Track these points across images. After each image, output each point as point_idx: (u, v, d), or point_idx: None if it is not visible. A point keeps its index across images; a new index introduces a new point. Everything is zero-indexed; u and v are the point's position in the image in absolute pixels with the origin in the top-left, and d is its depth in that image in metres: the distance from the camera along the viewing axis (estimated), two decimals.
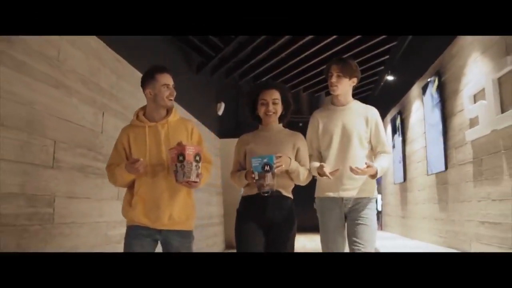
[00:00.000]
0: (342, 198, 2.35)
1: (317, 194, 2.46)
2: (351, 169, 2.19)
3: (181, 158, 2.02)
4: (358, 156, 2.35)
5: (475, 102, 3.99)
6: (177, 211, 2.15)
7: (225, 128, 7.87)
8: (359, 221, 2.32)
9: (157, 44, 4.76)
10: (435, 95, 5.18)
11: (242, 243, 2.28)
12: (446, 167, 4.89)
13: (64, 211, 2.82)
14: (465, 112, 4.24)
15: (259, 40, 5.23)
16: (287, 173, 2.31)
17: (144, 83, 2.22)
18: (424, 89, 5.71)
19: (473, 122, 4.06)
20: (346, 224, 2.38)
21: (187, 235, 2.20)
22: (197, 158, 2.05)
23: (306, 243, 8.62)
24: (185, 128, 2.25)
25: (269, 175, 2.15)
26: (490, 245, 3.69)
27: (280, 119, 2.44)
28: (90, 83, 3.25)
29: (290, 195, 2.37)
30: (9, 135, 2.34)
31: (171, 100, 2.21)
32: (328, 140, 2.40)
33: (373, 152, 2.42)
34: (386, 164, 2.34)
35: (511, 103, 3.25)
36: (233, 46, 5.40)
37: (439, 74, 5.08)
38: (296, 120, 11.55)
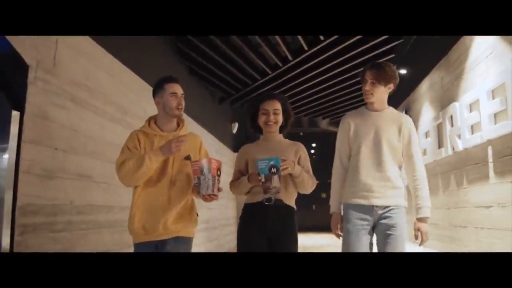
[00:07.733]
0: (373, 206, 2.23)
1: (346, 200, 2.32)
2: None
3: (205, 171, 2.02)
4: (389, 163, 2.25)
5: (426, 137, 5.55)
6: (172, 220, 2.12)
7: (238, 144, 9.44)
8: (389, 232, 2.20)
9: (192, 85, 6.35)
10: None
11: (243, 250, 2.27)
12: None
13: None
14: (420, 144, 5.80)
15: (272, 85, 6.78)
16: (292, 177, 2.28)
17: (154, 93, 2.23)
18: None
19: (425, 152, 5.62)
20: (375, 234, 2.27)
21: (182, 240, 2.14)
22: (219, 172, 2.07)
23: (304, 240, 9.96)
24: (194, 143, 2.26)
25: (275, 177, 2.13)
26: (433, 240, 5.25)
27: (281, 130, 2.44)
28: None
29: (293, 205, 2.34)
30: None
31: (179, 109, 2.18)
32: (359, 144, 2.29)
33: (404, 162, 2.31)
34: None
35: (443, 144, 4.80)
36: (250, 87, 6.99)
37: (407, 110, 6.64)
38: (297, 131, 12.92)
